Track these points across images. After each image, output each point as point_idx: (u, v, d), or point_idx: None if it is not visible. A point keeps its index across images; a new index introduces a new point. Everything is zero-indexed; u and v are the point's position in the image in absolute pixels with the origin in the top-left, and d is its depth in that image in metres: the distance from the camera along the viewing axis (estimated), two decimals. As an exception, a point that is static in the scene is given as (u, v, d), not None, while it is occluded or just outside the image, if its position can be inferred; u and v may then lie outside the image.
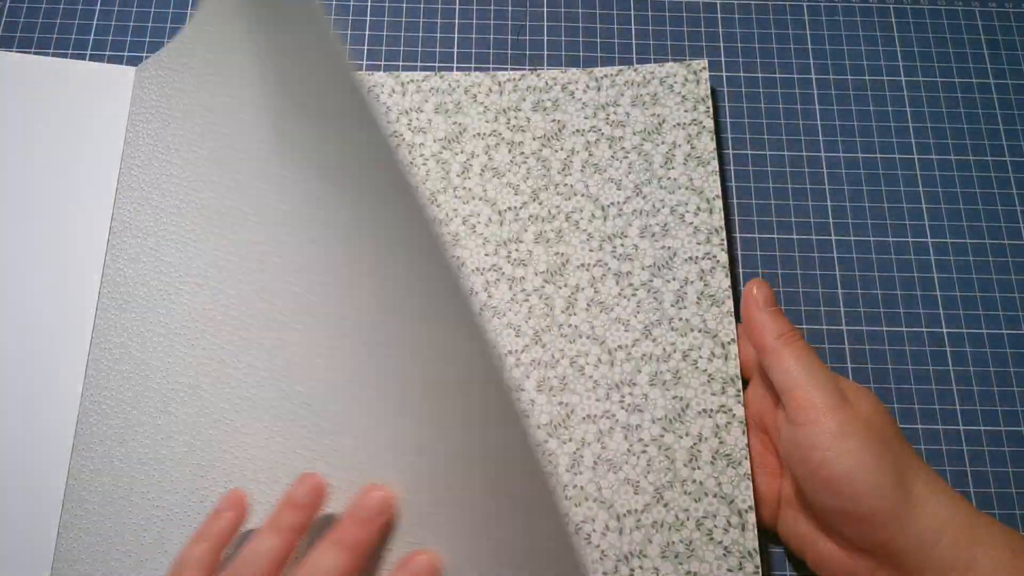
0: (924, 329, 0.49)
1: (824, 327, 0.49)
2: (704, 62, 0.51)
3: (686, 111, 0.50)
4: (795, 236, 0.51)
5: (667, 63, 0.51)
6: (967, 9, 0.56)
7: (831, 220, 0.51)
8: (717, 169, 0.48)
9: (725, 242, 0.47)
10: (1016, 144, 0.53)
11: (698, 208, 0.48)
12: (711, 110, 0.50)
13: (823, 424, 0.38)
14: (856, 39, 0.55)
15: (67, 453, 0.44)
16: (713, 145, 0.49)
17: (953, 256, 0.50)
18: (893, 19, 0.56)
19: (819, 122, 0.53)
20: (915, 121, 0.53)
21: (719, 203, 0.48)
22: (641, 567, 0.41)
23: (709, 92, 0.50)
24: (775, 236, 0.51)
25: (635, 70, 0.51)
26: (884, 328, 0.49)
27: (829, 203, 0.52)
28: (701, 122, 0.49)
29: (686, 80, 0.51)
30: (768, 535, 0.44)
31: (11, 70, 0.51)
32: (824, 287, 0.50)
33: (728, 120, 0.53)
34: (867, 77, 0.54)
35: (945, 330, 0.49)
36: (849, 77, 0.54)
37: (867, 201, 0.52)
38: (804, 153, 0.53)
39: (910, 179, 0.52)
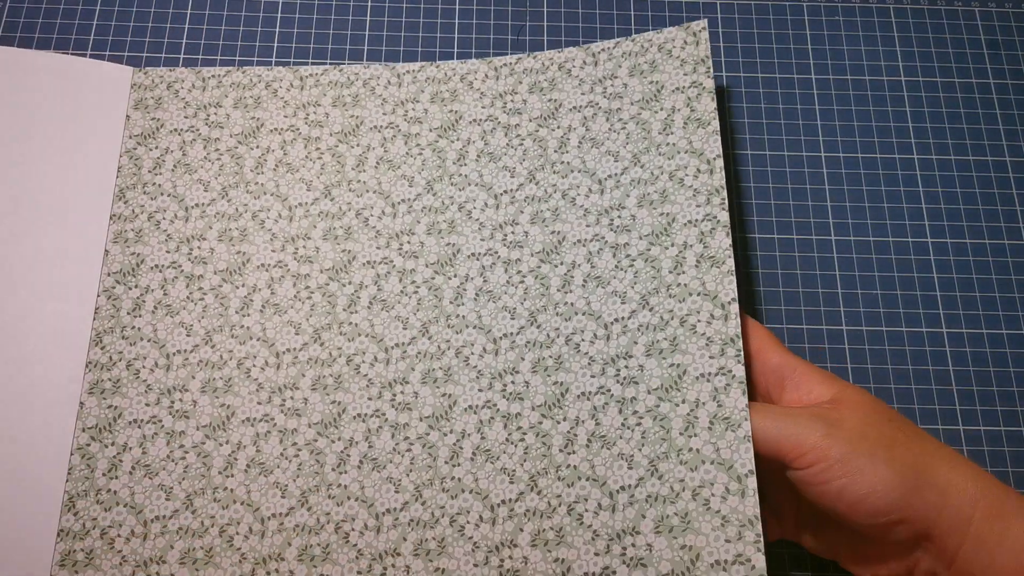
0: (924, 329, 0.49)
1: (824, 327, 0.49)
2: (703, 23, 0.49)
3: (685, 74, 0.48)
4: (795, 236, 0.51)
5: (665, 29, 0.50)
6: (967, 9, 0.56)
7: (831, 220, 0.51)
8: (718, 129, 0.46)
9: (726, 201, 0.44)
10: (1016, 144, 0.53)
11: (698, 170, 0.45)
12: (711, 70, 0.47)
13: (825, 460, 0.37)
14: (856, 39, 0.55)
15: (66, 453, 0.44)
16: (714, 105, 0.47)
17: (953, 256, 0.50)
18: (893, 19, 0.56)
19: (819, 122, 0.53)
20: (915, 121, 0.53)
21: (720, 163, 0.45)
22: (634, 544, 0.40)
23: (709, 52, 0.48)
24: (775, 236, 0.51)
25: (633, 40, 0.50)
26: (884, 328, 0.49)
27: (829, 203, 0.52)
28: (701, 83, 0.47)
29: (685, 43, 0.49)
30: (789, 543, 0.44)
31: (9, 64, 0.51)
32: (824, 287, 0.50)
33: (729, 120, 0.53)
34: (867, 77, 0.54)
35: (945, 330, 0.49)
36: (849, 77, 0.54)
37: (867, 201, 0.52)
38: (804, 153, 0.53)
39: (910, 179, 0.52)
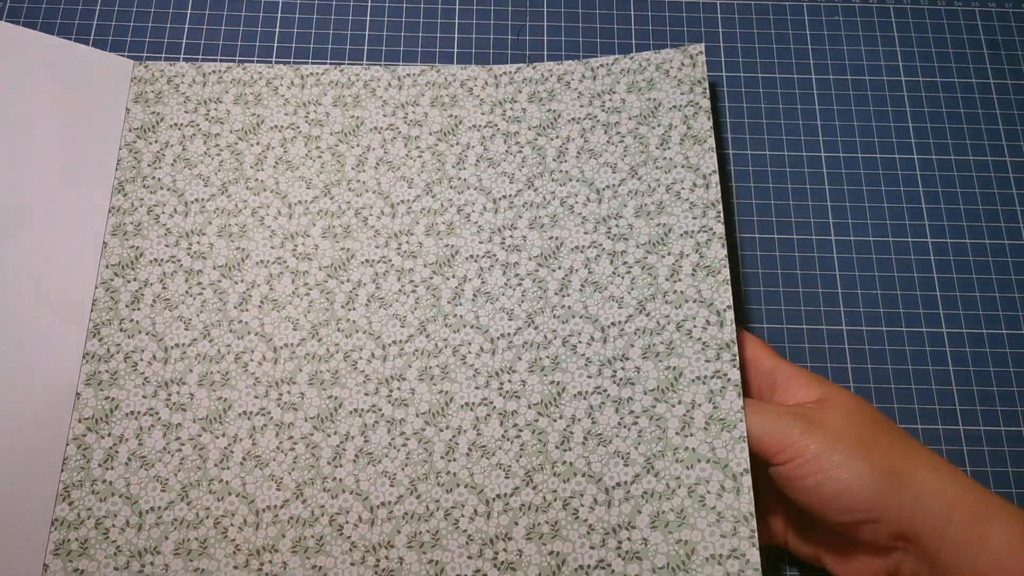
0: (924, 329, 0.49)
1: (824, 327, 0.49)
2: (700, 46, 0.50)
3: (682, 93, 0.49)
4: (795, 236, 0.51)
5: (663, 50, 0.51)
6: (967, 9, 0.56)
7: (831, 220, 0.51)
8: (714, 147, 0.47)
9: (722, 214, 0.46)
10: (1016, 144, 0.53)
11: (694, 184, 0.46)
12: (708, 91, 0.49)
13: (802, 455, 0.38)
14: (856, 39, 0.55)
15: (62, 444, 0.44)
16: (710, 124, 0.48)
17: (953, 256, 0.50)
18: (893, 19, 0.56)
19: (819, 122, 0.53)
20: (915, 121, 0.53)
21: (716, 178, 0.46)
22: (629, 538, 0.40)
23: (706, 75, 0.49)
24: (775, 236, 0.51)
25: (631, 58, 0.51)
26: (884, 328, 0.49)
27: (829, 203, 0.51)
28: (698, 103, 0.48)
29: (682, 65, 0.50)
30: (778, 551, 0.44)
31: (10, 47, 0.51)
32: (824, 287, 0.50)
33: (728, 120, 0.53)
34: (867, 77, 0.54)
35: (945, 330, 0.49)
36: (849, 77, 0.54)
37: (867, 201, 0.51)
38: (804, 153, 0.53)
39: (910, 179, 0.52)
